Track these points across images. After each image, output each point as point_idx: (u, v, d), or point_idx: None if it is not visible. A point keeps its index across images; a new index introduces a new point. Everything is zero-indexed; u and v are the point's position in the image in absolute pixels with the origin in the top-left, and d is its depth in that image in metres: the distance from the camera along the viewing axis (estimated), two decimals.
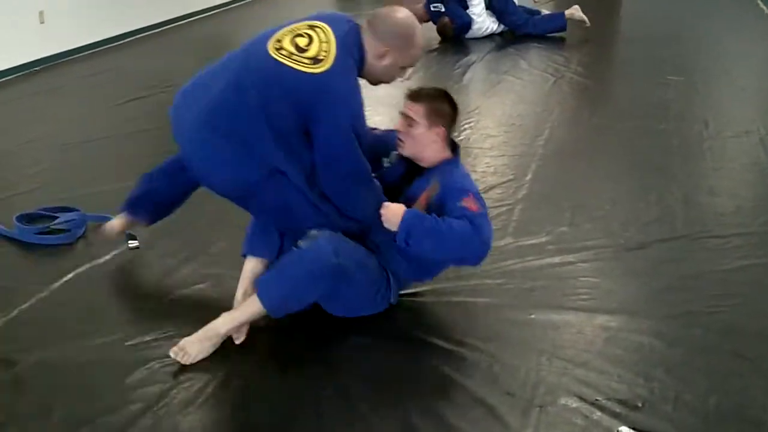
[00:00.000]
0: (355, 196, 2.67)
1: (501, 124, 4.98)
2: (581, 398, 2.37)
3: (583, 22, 7.21)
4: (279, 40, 2.57)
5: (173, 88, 5.68)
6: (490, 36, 7.35)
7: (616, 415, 2.29)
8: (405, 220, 2.54)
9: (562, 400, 2.36)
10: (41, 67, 6.47)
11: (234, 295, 2.82)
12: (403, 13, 2.67)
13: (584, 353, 2.59)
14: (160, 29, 7.90)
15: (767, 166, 4.18)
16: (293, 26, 2.63)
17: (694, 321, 2.78)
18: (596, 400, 2.36)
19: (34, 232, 3.44)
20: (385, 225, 2.58)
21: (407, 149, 2.76)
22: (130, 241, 3.37)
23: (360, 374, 2.51)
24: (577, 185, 3.98)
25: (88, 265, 3.23)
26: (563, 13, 7.30)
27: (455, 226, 2.50)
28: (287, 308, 2.60)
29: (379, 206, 2.61)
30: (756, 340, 2.66)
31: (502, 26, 7.39)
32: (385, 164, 2.91)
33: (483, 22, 7.28)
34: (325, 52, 2.52)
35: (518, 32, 7.33)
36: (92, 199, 3.80)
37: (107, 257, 3.29)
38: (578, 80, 5.90)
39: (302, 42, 2.55)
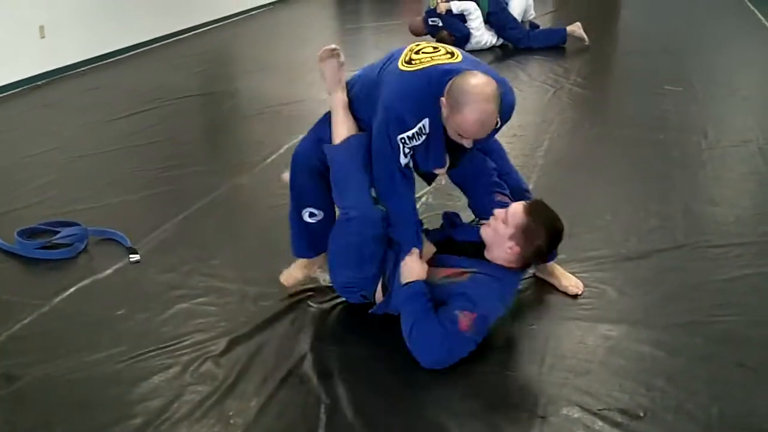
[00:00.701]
0: (383, 198, 2.74)
1: (501, 134, 4.85)
2: (583, 408, 2.36)
3: (583, 40, 7.24)
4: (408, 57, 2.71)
5: (172, 102, 5.76)
6: (490, 48, 7.37)
7: (617, 425, 2.29)
8: (411, 287, 2.60)
9: (564, 411, 2.36)
10: (42, 81, 6.50)
11: (233, 307, 2.82)
12: (474, 80, 2.49)
13: (586, 363, 2.59)
14: (159, 44, 7.93)
15: (766, 175, 4.19)
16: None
17: (695, 330, 2.78)
18: (598, 410, 2.35)
19: (36, 247, 3.44)
20: (401, 268, 2.65)
21: (484, 233, 2.72)
22: (131, 255, 3.38)
23: (359, 386, 2.51)
24: (578, 195, 3.98)
25: (89, 280, 3.23)
26: (564, 29, 7.32)
27: (436, 327, 2.51)
28: None
29: (404, 227, 2.73)
30: (757, 349, 2.66)
31: (501, 39, 7.41)
32: (473, 224, 2.96)
33: (481, 36, 7.29)
34: (440, 56, 2.66)
35: (519, 46, 7.34)
36: (93, 213, 3.81)
37: (108, 271, 3.30)
38: (578, 91, 5.91)
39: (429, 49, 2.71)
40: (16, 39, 6.30)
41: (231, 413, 2.40)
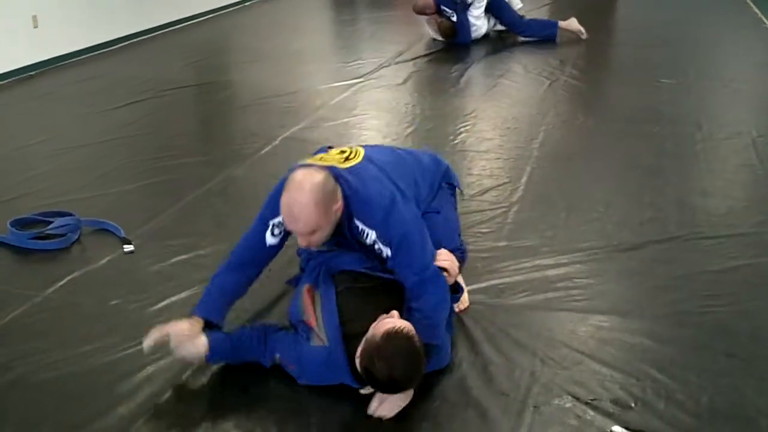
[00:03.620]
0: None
1: (496, 127, 4.99)
2: (575, 398, 2.38)
3: (581, 32, 7.24)
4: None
5: (166, 93, 5.75)
6: (487, 39, 7.34)
7: (609, 415, 2.30)
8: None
9: (556, 400, 2.37)
10: (35, 72, 6.47)
11: None
12: (302, 171, 2.43)
13: (577, 353, 2.61)
14: (153, 34, 7.90)
15: (759, 167, 4.20)
16: None
17: (686, 321, 2.80)
18: (590, 399, 2.37)
19: (29, 237, 3.44)
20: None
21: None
22: (125, 246, 3.38)
23: None
24: (572, 187, 3.99)
25: (82, 270, 3.23)
26: (557, 23, 7.32)
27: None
28: None
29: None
30: (747, 340, 2.67)
31: (494, 22, 7.37)
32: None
33: (480, 27, 7.26)
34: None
35: (514, 30, 7.35)
36: (87, 204, 3.80)
37: (102, 262, 3.30)
38: (572, 83, 5.91)
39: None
40: (9, 29, 6.27)
41: (225, 402, 2.40)
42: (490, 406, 2.36)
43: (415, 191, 2.72)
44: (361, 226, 2.47)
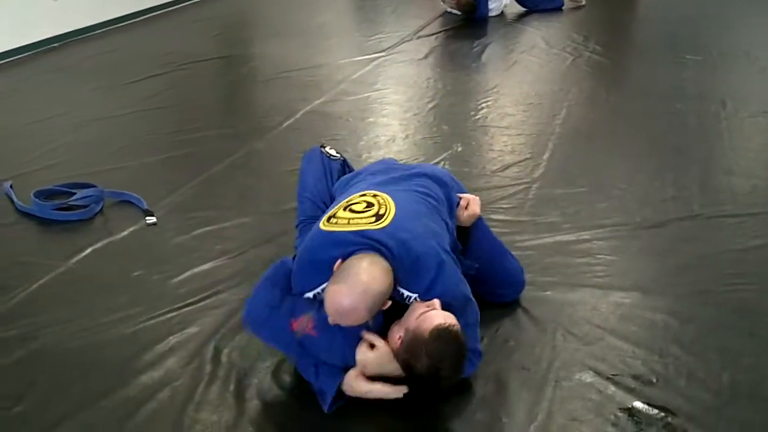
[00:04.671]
0: None
1: (518, 102, 4.96)
2: (596, 373, 2.38)
3: (579, 2, 7.24)
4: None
5: (188, 66, 5.75)
6: (501, 15, 7.29)
7: (630, 390, 2.31)
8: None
9: (577, 376, 2.38)
10: (55, 44, 6.47)
11: (249, 270, 2.82)
12: (354, 262, 2.22)
13: (599, 330, 2.60)
14: (174, 7, 7.87)
15: None
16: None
17: (708, 299, 2.79)
18: (611, 375, 2.37)
19: (52, 208, 3.46)
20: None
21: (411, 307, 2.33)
22: (147, 218, 3.40)
23: None
24: (594, 164, 3.97)
25: (105, 241, 3.25)
26: None
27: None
28: None
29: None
30: None
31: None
32: None
33: (497, 8, 7.23)
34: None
35: (526, 5, 7.31)
36: (109, 176, 3.81)
37: (124, 233, 3.31)
38: (596, 59, 5.86)
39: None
40: (28, 2, 6.26)
41: (246, 373, 2.42)
42: (511, 380, 2.37)
43: (447, 230, 2.52)
44: (405, 293, 2.29)
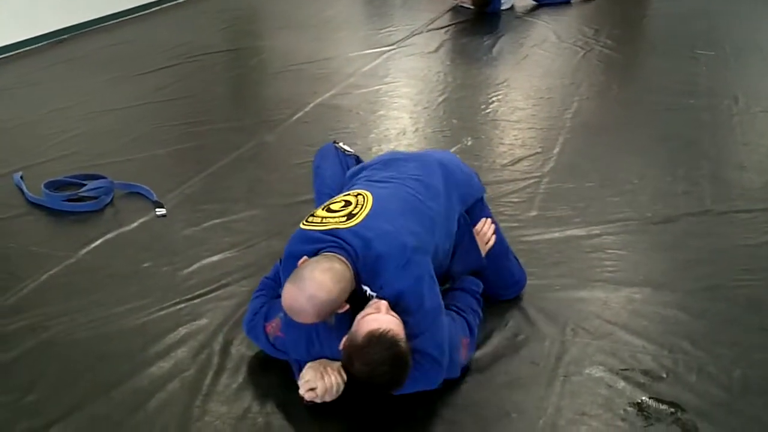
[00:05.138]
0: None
1: (529, 96, 4.94)
2: (606, 368, 2.38)
3: None
4: None
5: (198, 58, 5.75)
6: (512, 9, 7.28)
7: (640, 385, 2.30)
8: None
9: (587, 370, 2.37)
10: (65, 36, 6.48)
11: (258, 262, 2.82)
12: (310, 264, 2.20)
13: (609, 325, 2.60)
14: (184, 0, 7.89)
15: None
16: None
17: (719, 294, 2.78)
18: (621, 369, 2.37)
19: (62, 199, 3.47)
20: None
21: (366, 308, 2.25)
22: (157, 209, 3.40)
23: None
24: (605, 159, 3.96)
25: (115, 232, 3.26)
26: None
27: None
28: None
29: None
30: None
31: None
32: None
33: (508, 1, 7.21)
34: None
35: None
36: (119, 167, 3.82)
37: (134, 225, 3.32)
38: (607, 54, 5.84)
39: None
40: None
41: (255, 364, 2.43)
42: (520, 375, 2.36)
43: (435, 226, 2.45)
44: (368, 291, 2.25)
